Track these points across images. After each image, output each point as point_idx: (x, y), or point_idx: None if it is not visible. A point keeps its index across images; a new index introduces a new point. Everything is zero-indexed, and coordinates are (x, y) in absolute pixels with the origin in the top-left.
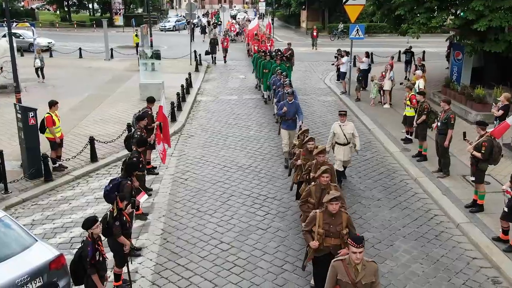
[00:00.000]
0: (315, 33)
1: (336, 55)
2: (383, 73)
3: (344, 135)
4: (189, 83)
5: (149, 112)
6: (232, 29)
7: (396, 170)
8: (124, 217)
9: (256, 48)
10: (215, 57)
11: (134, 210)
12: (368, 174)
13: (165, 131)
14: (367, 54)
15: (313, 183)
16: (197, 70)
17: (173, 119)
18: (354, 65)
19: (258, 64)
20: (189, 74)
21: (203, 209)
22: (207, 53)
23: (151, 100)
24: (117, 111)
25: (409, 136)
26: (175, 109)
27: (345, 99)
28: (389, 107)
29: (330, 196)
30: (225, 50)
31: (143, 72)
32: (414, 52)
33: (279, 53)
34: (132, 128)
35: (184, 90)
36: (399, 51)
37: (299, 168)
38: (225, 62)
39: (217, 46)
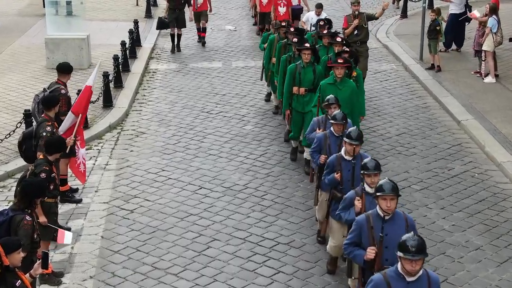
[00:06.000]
0: None
1: None
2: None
3: None
4: (135, 39)
5: (63, 91)
6: None
7: (509, 195)
8: (19, 282)
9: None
10: (178, 36)
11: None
12: (458, 203)
13: (79, 122)
14: None
15: None
16: (149, 15)
17: (107, 102)
18: (430, 4)
19: (278, 59)
20: (136, 22)
21: (162, 264)
22: (161, 24)
23: (64, 69)
24: (4, 88)
25: None
26: (111, 85)
27: (413, 68)
28: (494, 82)
29: None
30: (202, 15)
31: (51, 18)
32: None
33: (340, 39)
34: (34, 119)
35: (127, 52)
36: None
37: None
38: (203, 44)
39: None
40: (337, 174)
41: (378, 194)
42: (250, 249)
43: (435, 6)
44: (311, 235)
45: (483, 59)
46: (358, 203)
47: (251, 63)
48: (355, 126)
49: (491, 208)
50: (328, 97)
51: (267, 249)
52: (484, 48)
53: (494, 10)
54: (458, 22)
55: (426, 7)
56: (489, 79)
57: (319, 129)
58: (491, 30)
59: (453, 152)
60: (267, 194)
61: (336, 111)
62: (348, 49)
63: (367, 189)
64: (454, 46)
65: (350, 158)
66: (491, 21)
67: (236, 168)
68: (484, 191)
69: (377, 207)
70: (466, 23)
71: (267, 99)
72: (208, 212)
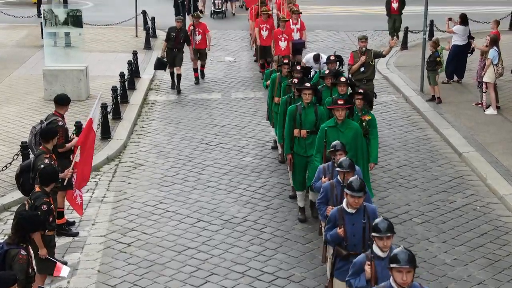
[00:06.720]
0: (395, 5)
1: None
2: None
3: None
4: (134, 70)
5: (60, 123)
6: None
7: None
8: None
9: (258, 31)
10: (178, 76)
11: None
12: (460, 237)
13: (87, 159)
14: (464, 19)
15: None
16: (148, 46)
17: (106, 134)
18: (431, 36)
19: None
20: (135, 53)
21: None
22: (159, 64)
23: (62, 101)
24: (1, 120)
25: None
26: (110, 116)
27: (414, 99)
28: (495, 113)
29: None
30: (201, 54)
31: (49, 50)
32: None
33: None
34: (31, 151)
35: (126, 83)
36: None
37: None
38: (199, 79)
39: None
40: (339, 229)
41: (392, 266)
42: (249, 283)
43: (435, 37)
44: (311, 269)
45: (484, 91)
46: (368, 269)
47: (250, 95)
48: (356, 176)
49: (493, 241)
50: (333, 143)
51: (266, 284)
52: (485, 79)
53: (494, 42)
54: (461, 53)
55: (427, 39)
56: (491, 111)
57: (325, 177)
58: (492, 61)
59: (454, 185)
60: (266, 227)
61: (342, 158)
62: (362, 91)
63: (378, 253)
64: (455, 78)
65: (353, 211)
66: (492, 53)
67: (235, 200)
68: (486, 225)
69: (391, 279)
70: (469, 55)
71: (274, 146)
72: (207, 246)
